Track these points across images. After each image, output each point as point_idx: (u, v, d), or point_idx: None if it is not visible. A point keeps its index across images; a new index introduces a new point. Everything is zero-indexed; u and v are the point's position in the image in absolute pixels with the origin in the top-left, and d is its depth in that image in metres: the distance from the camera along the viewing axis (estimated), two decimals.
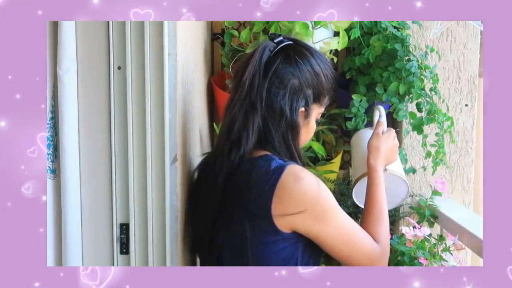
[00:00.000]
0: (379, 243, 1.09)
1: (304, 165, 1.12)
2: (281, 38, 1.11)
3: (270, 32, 1.13)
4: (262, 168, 1.03)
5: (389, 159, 1.26)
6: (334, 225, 1.04)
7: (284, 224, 1.02)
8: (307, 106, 1.10)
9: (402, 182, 1.32)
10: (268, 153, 1.07)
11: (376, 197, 1.16)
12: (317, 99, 1.12)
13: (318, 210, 1.02)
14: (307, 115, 1.11)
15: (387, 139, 1.24)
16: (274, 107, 1.06)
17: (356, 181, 1.31)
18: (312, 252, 1.07)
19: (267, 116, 1.06)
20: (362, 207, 1.28)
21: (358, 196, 1.33)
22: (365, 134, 1.35)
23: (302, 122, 1.11)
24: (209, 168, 1.16)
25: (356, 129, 1.64)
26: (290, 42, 1.11)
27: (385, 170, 1.26)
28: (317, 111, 1.14)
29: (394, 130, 1.28)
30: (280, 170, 1.01)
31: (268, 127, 1.07)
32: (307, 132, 1.14)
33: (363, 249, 1.07)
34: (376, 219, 1.13)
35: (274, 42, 1.10)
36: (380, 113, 1.35)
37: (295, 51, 1.09)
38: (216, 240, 1.10)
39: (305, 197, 1.01)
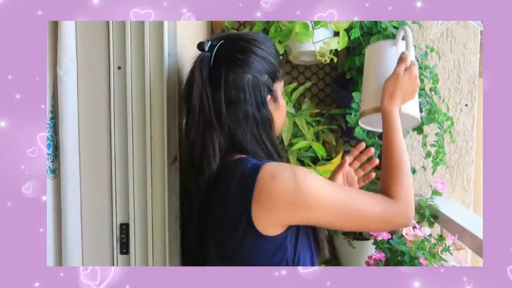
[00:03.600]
0: (395, 198, 1.03)
1: (281, 157, 1.08)
2: (210, 43, 1.05)
3: (198, 43, 1.07)
4: (237, 172, 0.99)
5: (406, 100, 1.17)
6: (328, 207, 0.97)
7: (270, 225, 0.98)
8: (271, 91, 1.07)
9: (415, 120, 1.23)
10: (243, 155, 1.03)
11: (393, 147, 1.08)
12: (275, 78, 1.08)
13: (304, 200, 0.96)
14: (275, 98, 1.09)
15: (407, 82, 1.14)
16: (240, 115, 1.03)
17: (366, 113, 1.23)
18: (304, 252, 1.03)
19: (235, 126, 1.03)
20: (373, 129, 1.29)
21: (366, 124, 1.29)
22: (385, 51, 1.24)
23: (273, 108, 1.08)
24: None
25: (356, 125, 1.64)
26: (222, 41, 1.06)
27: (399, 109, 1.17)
28: (280, 87, 1.11)
29: (417, 65, 1.17)
30: (255, 171, 0.97)
31: (237, 137, 1.03)
32: (280, 113, 1.11)
33: (373, 214, 1.00)
34: (393, 172, 1.06)
35: (207, 51, 1.05)
36: (406, 36, 1.19)
37: (233, 49, 1.05)
38: (204, 248, 1.07)
39: (285, 192, 0.95)
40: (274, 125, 1.09)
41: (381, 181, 1.09)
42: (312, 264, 1.06)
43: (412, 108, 1.21)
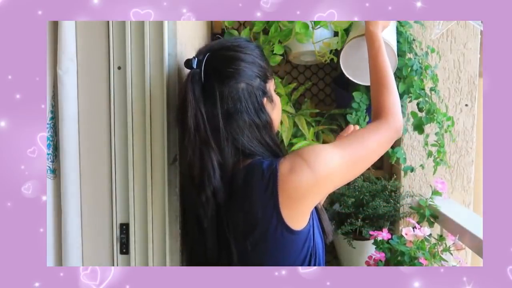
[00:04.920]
0: (385, 109, 1.15)
1: (283, 153, 1.09)
2: (196, 59, 1.05)
3: (184, 61, 1.06)
4: (255, 176, 1.00)
5: (385, 25, 1.32)
6: (343, 168, 1.02)
7: (300, 216, 1.00)
8: (265, 93, 1.08)
9: (391, 51, 1.37)
10: (251, 159, 1.04)
11: (380, 64, 1.21)
12: (266, 79, 1.09)
13: (322, 176, 0.99)
14: (270, 99, 1.10)
15: None
16: (240, 124, 1.03)
17: (352, 39, 1.39)
18: (316, 236, 1.07)
19: (238, 135, 1.03)
20: (358, 81, 1.47)
21: (347, 62, 1.46)
22: None
23: (270, 109, 1.09)
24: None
25: (357, 123, 1.64)
26: (207, 54, 1.05)
27: None
28: (272, 85, 1.13)
29: None
30: (274, 171, 0.98)
31: (243, 144, 1.03)
32: (277, 110, 1.13)
33: (377, 144, 1.09)
34: (381, 85, 1.19)
35: (195, 68, 1.04)
36: None
37: (220, 60, 1.05)
38: (228, 260, 1.05)
39: (305, 178, 0.98)
40: (274, 124, 1.11)
41: (372, 95, 1.20)
42: (323, 248, 1.11)
43: (389, 37, 1.39)
